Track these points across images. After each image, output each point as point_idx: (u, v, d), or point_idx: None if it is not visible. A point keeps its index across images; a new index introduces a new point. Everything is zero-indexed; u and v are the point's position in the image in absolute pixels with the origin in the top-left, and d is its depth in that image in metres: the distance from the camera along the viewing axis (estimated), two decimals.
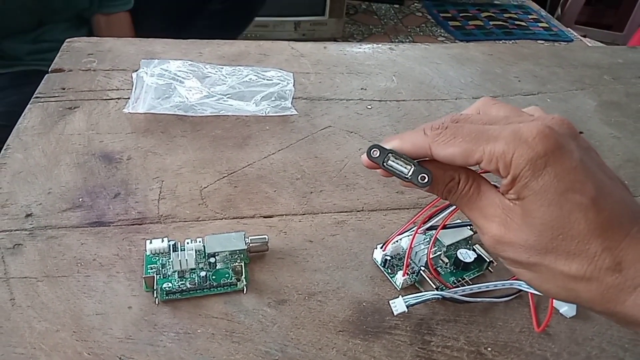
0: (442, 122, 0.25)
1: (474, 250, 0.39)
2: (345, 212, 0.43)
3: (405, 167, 0.25)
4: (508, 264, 0.25)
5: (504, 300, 0.36)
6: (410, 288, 0.37)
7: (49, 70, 0.57)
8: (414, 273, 0.37)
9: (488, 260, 0.38)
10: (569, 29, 2.00)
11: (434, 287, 0.35)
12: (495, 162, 0.23)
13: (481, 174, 0.26)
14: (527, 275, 0.24)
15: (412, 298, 0.34)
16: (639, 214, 0.23)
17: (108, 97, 0.54)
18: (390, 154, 0.26)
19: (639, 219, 0.22)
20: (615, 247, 0.22)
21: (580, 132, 0.23)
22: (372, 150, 0.26)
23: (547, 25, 1.99)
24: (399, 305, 0.33)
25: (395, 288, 0.37)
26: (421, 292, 0.35)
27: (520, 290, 0.36)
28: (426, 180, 0.25)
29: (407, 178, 0.25)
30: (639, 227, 0.22)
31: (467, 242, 0.39)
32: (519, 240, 0.23)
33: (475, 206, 0.25)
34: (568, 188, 0.22)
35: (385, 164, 0.26)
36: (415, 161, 0.25)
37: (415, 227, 0.36)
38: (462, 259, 0.37)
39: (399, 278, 0.36)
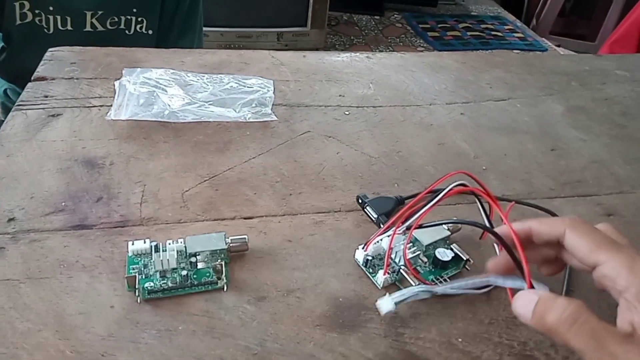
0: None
1: (451, 249, 0.40)
2: (323, 212, 0.44)
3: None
4: None
5: (482, 291, 0.37)
6: (390, 287, 0.38)
7: (32, 79, 0.58)
8: (394, 272, 0.38)
9: (465, 259, 0.39)
10: (544, 38, 2.07)
11: (414, 285, 0.37)
12: (617, 272, 0.26)
13: None
14: None
15: (398, 296, 0.34)
16: None
17: (91, 105, 0.55)
18: None
19: None
20: None
21: None
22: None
23: (522, 36, 2.05)
24: (386, 304, 0.34)
25: (377, 287, 0.38)
26: (402, 289, 0.36)
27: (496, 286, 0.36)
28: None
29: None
30: None
31: (445, 242, 0.41)
32: None
33: None
34: None
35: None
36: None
37: (394, 228, 0.38)
38: (440, 257, 0.39)
39: (380, 277, 0.38)
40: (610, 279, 0.27)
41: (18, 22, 0.79)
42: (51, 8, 0.79)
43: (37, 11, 0.79)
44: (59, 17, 0.80)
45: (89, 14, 0.81)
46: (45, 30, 0.80)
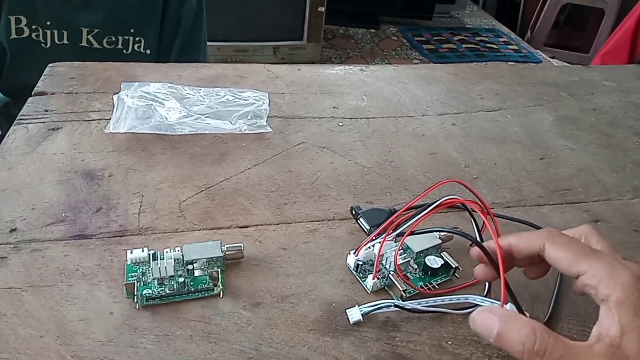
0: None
1: (441, 257, 0.41)
2: (317, 221, 0.45)
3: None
4: None
5: (458, 312, 0.37)
6: (379, 292, 0.39)
7: (32, 94, 0.59)
8: (383, 277, 0.39)
9: (454, 267, 0.40)
10: (538, 50, 2.10)
11: (402, 289, 0.38)
12: (598, 280, 0.27)
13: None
14: None
15: (367, 307, 0.35)
16: None
17: (90, 118, 0.56)
18: None
19: None
20: None
21: None
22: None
23: (517, 48, 2.08)
24: (354, 313, 0.35)
25: (366, 291, 0.39)
26: (383, 299, 0.37)
27: (476, 305, 0.35)
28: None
29: None
30: None
31: (436, 250, 0.42)
32: None
33: None
34: None
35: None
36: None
37: (385, 234, 0.39)
38: (429, 265, 0.40)
39: (369, 281, 0.39)
40: (592, 287, 0.28)
41: (13, 36, 0.80)
42: (48, 23, 0.81)
43: (34, 27, 0.80)
44: (55, 32, 0.81)
45: (85, 30, 0.82)
46: (42, 45, 0.82)
